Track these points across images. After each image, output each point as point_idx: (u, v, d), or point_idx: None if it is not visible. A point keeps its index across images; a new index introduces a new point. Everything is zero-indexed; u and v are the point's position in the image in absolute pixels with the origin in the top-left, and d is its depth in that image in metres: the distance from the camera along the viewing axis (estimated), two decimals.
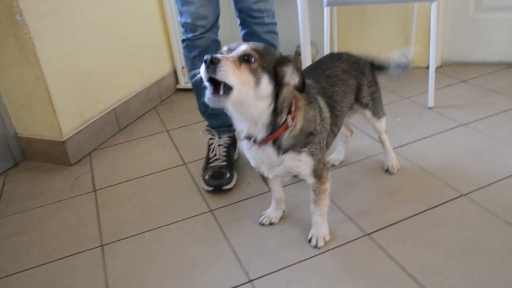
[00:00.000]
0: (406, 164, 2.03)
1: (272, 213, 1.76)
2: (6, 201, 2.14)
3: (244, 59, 1.23)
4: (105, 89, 2.61)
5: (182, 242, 1.72)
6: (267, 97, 1.30)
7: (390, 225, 1.67)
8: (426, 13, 2.84)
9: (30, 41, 2.11)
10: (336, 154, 2.11)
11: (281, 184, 1.76)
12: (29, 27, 2.08)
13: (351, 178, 1.99)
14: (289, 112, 1.37)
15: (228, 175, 1.99)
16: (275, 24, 2.08)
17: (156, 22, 3.03)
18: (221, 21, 2.01)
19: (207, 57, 1.16)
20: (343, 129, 2.02)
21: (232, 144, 2.17)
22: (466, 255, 1.49)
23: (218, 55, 1.19)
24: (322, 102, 1.54)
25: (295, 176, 1.55)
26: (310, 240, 1.62)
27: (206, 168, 2.06)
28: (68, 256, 1.71)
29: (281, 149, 1.41)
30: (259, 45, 1.29)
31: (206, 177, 2.00)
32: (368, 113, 1.83)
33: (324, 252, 1.58)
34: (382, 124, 1.90)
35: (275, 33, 2.10)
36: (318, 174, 1.50)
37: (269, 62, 1.28)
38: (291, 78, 1.32)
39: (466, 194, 1.78)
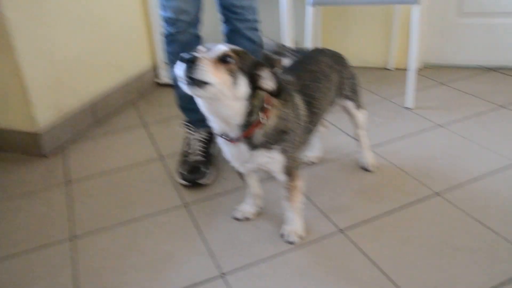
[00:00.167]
0: (382, 162, 2.05)
1: (247, 208, 1.75)
2: None
3: (223, 59, 1.23)
4: (82, 81, 2.57)
5: (155, 236, 1.70)
6: (243, 99, 1.29)
7: (364, 222, 1.67)
8: (408, 16, 2.86)
9: (5, 30, 2.06)
10: (312, 151, 2.11)
11: (258, 180, 1.75)
12: (4, 16, 2.04)
13: (327, 175, 1.99)
14: (263, 109, 1.37)
15: (204, 170, 1.98)
16: (257, 21, 2.07)
17: (137, 15, 2.99)
18: (203, 17, 2.00)
19: (185, 55, 1.15)
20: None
21: (210, 140, 2.15)
22: (439, 252, 1.50)
23: (197, 54, 1.18)
24: (298, 99, 1.53)
25: None
26: (283, 236, 1.61)
27: (182, 162, 2.04)
28: (37, 248, 1.68)
29: (253, 146, 1.41)
30: (238, 48, 1.29)
31: (182, 171, 1.99)
32: (349, 104, 1.83)
33: (298, 247, 1.58)
34: (363, 116, 1.91)
35: (257, 30, 2.08)
36: (289, 171, 1.50)
37: (247, 65, 1.28)
38: (267, 83, 1.31)
39: (440, 193, 1.80)
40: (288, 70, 1.68)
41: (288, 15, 2.45)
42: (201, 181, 1.95)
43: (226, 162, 1.63)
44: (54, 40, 2.34)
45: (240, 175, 1.69)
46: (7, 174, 2.21)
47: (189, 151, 2.06)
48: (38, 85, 2.25)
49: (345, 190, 1.88)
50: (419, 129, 2.32)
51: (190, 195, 1.92)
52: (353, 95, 1.83)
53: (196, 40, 1.98)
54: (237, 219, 1.74)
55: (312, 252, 1.55)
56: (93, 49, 2.63)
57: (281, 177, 1.52)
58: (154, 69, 3.21)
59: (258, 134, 1.39)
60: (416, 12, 2.40)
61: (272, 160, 1.44)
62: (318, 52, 1.80)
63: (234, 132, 1.37)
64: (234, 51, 1.26)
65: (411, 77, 2.52)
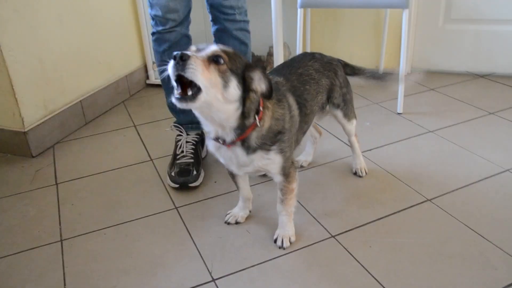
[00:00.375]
0: (374, 168, 2.05)
1: (238, 212, 1.74)
2: None
3: (214, 60, 1.21)
4: (71, 80, 2.53)
5: (145, 239, 1.68)
6: (235, 101, 1.28)
7: (356, 227, 1.67)
8: (398, 20, 2.88)
9: None
10: (304, 155, 2.11)
11: (249, 183, 1.74)
12: None
13: (319, 180, 1.99)
14: (257, 112, 1.36)
15: (194, 172, 1.96)
16: (247, 21, 2.06)
17: (127, 14, 2.96)
18: (193, 17, 1.98)
19: (176, 53, 1.13)
20: (312, 130, 2.02)
21: (200, 142, 2.14)
22: (430, 259, 1.50)
23: (188, 52, 1.17)
24: (291, 99, 1.53)
25: (264, 175, 1.54)
26: (275, 240, 1.60)
27: (172, 164, 2.02)
28: (25, 251, 1.64)
29: (250, 149, 1.39)
30: (229, 48, 1.28)
31: (173, 173, 1.97)
32: (339, 113, 1.83)
33: (290, 252, 1.57)
34: (352, 126, 1.91)
35: (246, 31, 2.07)
36: (286, 172, 1.49)
37: (238, 66, 1.26)
38: (259, 84, 1.30)
39: (431, 199, 1.80)
40: (275, 71, 1.68)
41: (278, 16, 2.44)
42: (191, 184, 1.93)
43: (217, 165, 1.61)
44: (42, 39, 2.30)
45: (233, 177, 1.68)
46: None
47: (180, 153, 2.04)
48: (26, 83, 2.22)
49: (336, 195, 1.88)
50: (410, 135, 2.33)
51: (180, 198, 1.90)
52: (344, 105, 1.82)
53: (185, 39, 1.97)
54: (228, 223, 1.73)
55: (303, 258, 1.54)
56: (82, 48, 2.59)
57: (278, 178, 1.51)
58: (145, 69, 3.18)
59: (254, 137, 1.37)
60: (406, 16, 2.42)
61: (271, 161, 1.43)
62: (307, 56, 1.78)
63: (230, 136, 1.36)
64: (224, 51, 1.25)
65: (402, 82, 2.53)
